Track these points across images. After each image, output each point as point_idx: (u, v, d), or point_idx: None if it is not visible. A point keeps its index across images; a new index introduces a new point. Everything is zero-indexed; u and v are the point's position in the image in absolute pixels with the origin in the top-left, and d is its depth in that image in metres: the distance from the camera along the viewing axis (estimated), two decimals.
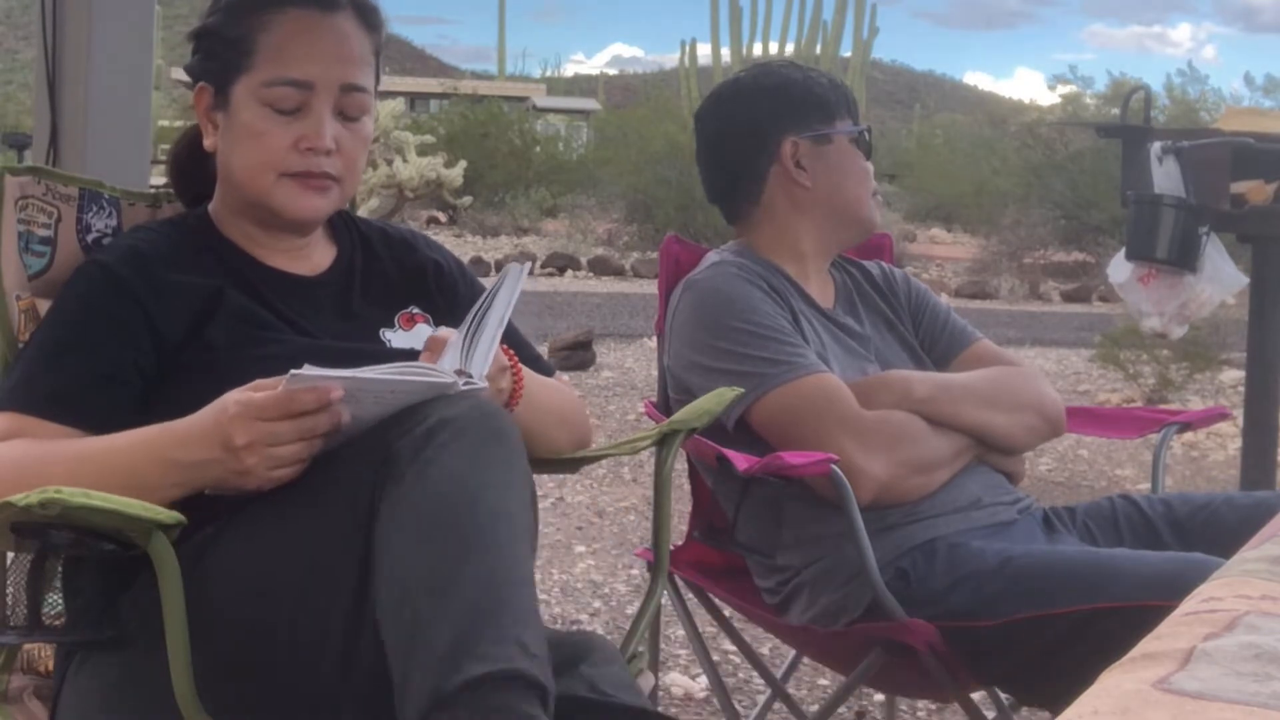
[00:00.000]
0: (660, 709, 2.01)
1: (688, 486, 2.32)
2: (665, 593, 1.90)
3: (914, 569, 1.89)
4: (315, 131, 1.56)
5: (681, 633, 3.01)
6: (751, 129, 2.13)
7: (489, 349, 1.43)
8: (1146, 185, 3.19)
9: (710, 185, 2.22)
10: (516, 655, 1.17)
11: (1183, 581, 1.32)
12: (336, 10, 1.59)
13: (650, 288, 12.16)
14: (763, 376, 1.95)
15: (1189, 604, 0.96)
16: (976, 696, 2.10)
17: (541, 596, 3.67)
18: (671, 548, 2.08)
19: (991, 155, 20.31)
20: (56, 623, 1.52)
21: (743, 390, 1.85)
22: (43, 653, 1.68)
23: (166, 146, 1.79)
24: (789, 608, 2.00)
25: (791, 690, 2.61)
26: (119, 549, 1.33)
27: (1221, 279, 3.17)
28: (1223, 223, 3.26)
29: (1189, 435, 5.19)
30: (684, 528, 2.33)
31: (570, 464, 1.76)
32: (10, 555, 1.46)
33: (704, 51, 24.03)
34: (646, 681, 1.62)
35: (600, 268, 16.15)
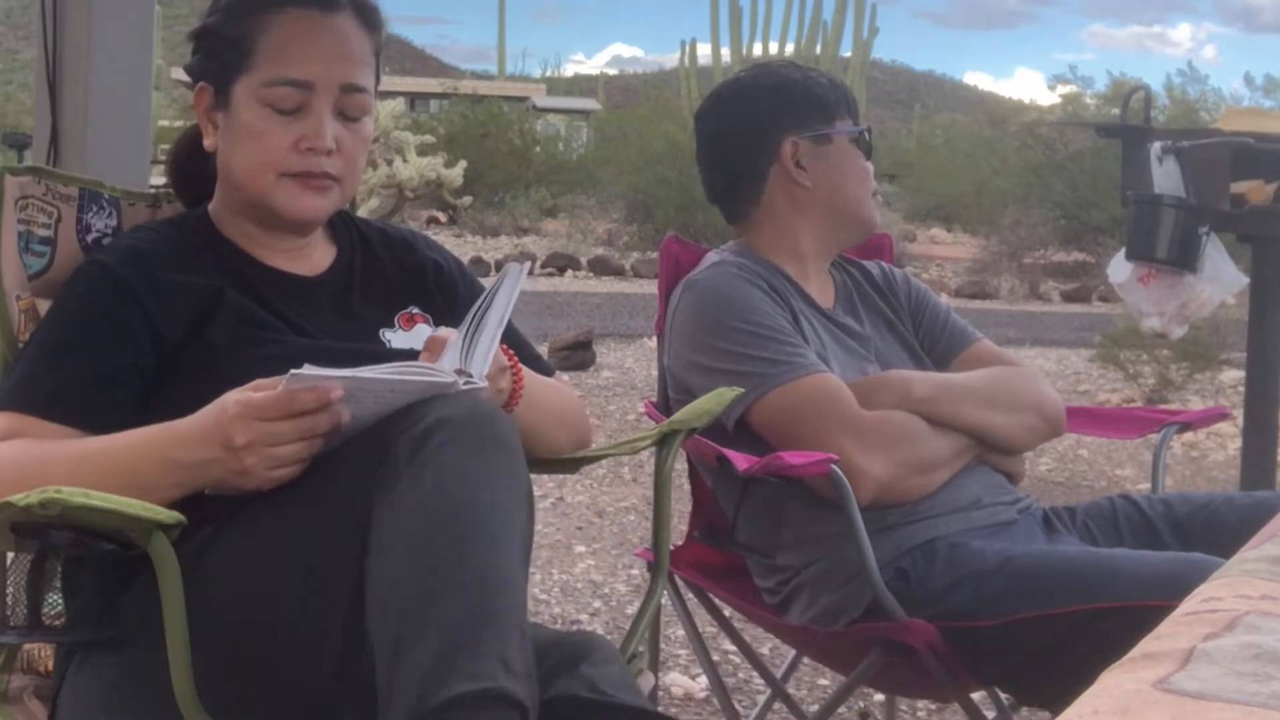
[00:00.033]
0: (660, 709, 2.01)
1: (688, 486, 2.32)
2: (665, 593, 1.90)
3: (914, 569, 1.89)
4: (315, 131, 1.56)
5: (681, 633, 3.02)
6: (751, 129, 2.13)
7: (489, 349, 1.43)
8: (1146, 185, 3.19)
9: (710, 185, 2.22)
10: (499, 673, 1.17)
11: (1183, 581, 1.32)
12: (336, 10, 1.59)
13: (650, 288, 12.16)
14: (763, 376, 1.95)
15: (1189, 604, 0.96)
16: (976, 696, 2.10)
17: (541, 596, 3.68)
18: (671, 548, 2.08)
19: (991, 155, 20.31)
20: (56, 623, 1.52)
21: (743, 390, 1.85)
22: (43, 653, 1.68)
23: (166, 146, 1.79)
24: (789, 608, 2.00)
25: (791, 690, 2.61)
26: (119, 549, 1.33)
27: (1221, 279, 3.17)
28: (1223, 223, 3.25)
29: (1189, 435, 5.19)
30: (684, 528, 2.33)
31: (570, 464, 1.76)
32: (10, 555, 1.46)
33: (704, 51, 24.06)
34: (646, 681, 1.62)
35: (600, 268, 16.14)
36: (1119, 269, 3.28)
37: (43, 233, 1.67)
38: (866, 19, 23.45)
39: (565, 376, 1.83)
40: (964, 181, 20.27)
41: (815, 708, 2.56)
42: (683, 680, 3.04)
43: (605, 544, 4.30)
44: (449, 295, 1.71)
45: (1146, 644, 0.86)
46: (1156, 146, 3.20)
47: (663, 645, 2.88)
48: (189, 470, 1.37)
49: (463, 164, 19.89)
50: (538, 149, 23.06)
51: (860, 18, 23.36)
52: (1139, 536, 2.02)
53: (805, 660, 2.56)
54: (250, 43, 1.57)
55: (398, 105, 22.04)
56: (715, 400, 1.72)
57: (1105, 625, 1.66)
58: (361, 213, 1.87)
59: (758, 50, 23.13)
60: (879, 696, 2.82)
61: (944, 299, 3.13)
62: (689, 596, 2.24)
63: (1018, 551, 1.86)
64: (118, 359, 1.49)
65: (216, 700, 1.31)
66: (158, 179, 1.93)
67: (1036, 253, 16.58)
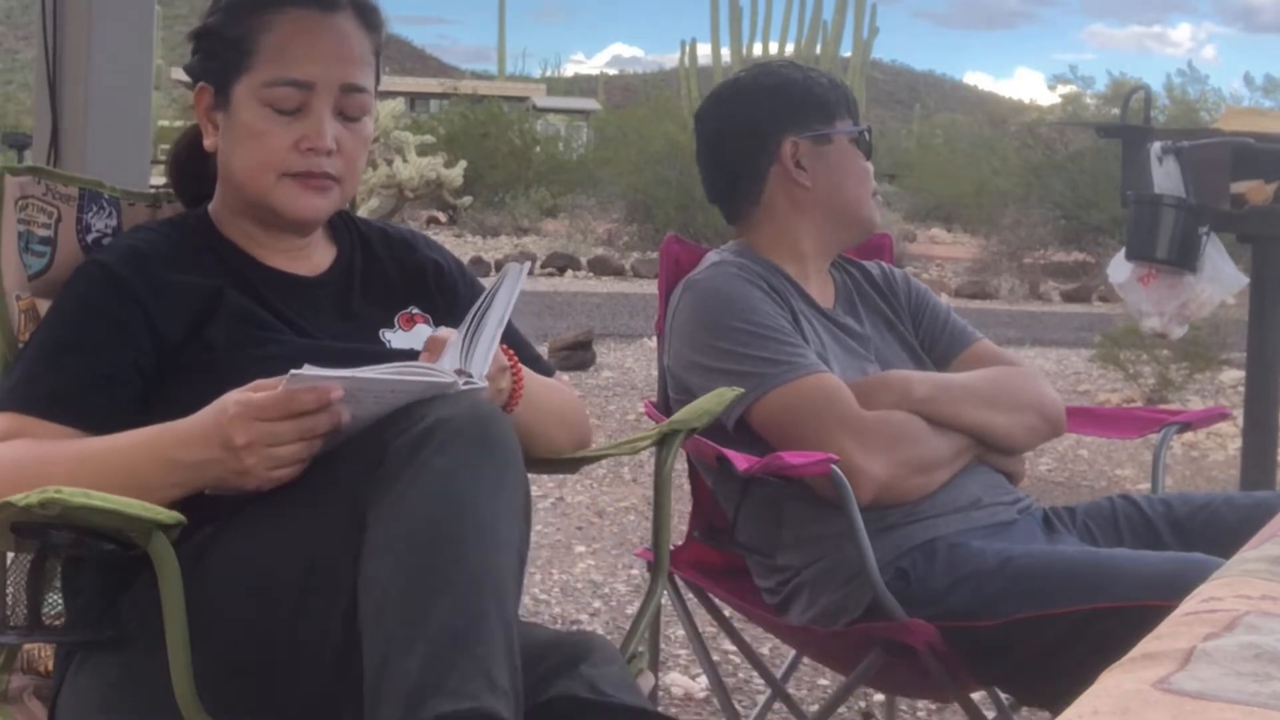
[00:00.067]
0: (660, 709, 2.01)
1: (688, 486, 2.32)
2: (665, 593, 1.90)
3: (914, 569, 1.89)
4: (316, 131, 1.56)
5: (681, 633, 3.01)
6: (751, 129, 2.13)
7: (489, 349, 1.43)
8: (1146, 185, 3.19)
9: (710, 185, 2.22)
10: (483, 692, 1.17)
11: (1183, 581, 1.32)
12: (337, 10, 1.59)
13: (650, 288, 12.16)
14: (763, 376, 1.95)
15: (1189, 604, 0.96)
16: (976, 696, 2.10)
17: (541, 596, 3.68)
18: (671, 548, 2.08)
19: (991, 155, 20.31)
20: (56, 623, 1.52)
21: (743, 390, 1.85)
22: (43, 653, 1.68)
23: (166, 146, 1.79)
24: (789, 608, 2.00)
25: (791, 690, 2.61)
26: (119, 549, 1.33)
27: (1221, 279, 3.17)
28: (1223, 223, 3.26)
29: (1189, 435, 5.19)
30: (684, 528, 2.33)
31: (570, 464, 1.76)
32: (10, 555, 1.46)
33: (704, 51, 24.06)
34: (646, 681, 1.62)
35: (600, 268, 16.14)
36: (1119, 269, 3.28)
37: (43, 233, 1.67)
38: (866, 19, 23.46)
39: (565, 376, 1.83)
40: (964, 181, 20.27)
41: (815, 708, 2.56)
42: (683, 680, 3.04)
43: (605, 544, 4.30)
44: (449, 295, 1.71)
45: (1146, 644, 0.86)
46: (1156, 146, 3.20)
47: (663, 645, 2.88)
48: (189, 470, 1.37)
49: (463, 164, 19.89)
50: (538, 149, 23.06)
51: (860, 18, 23.37)
52: (1139, 536, 2.02)
53: (805, 660, 2.56)
54: (250, 43, 1.57)
55: (398, 105, 22.04)
56: (715, 400, 1.72)
57: (1105, 625, 1.66)
58: (361, 213, 1.87)
59: (758, 50, 23.13)
60: (879, 696, 2.82)
61: (944, 299, 3.13)
62: (689, 596, 2.24)
63: (1018, 551, 1.86)
64: (118, 359, 1.49)
65: (216, 700, 1.31)
66: (158, 179, 1.93)
67: (1036, 253, 16.58)
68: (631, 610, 3.55)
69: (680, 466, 2.02)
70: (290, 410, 1.31)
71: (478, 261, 14.64)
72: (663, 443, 1.67)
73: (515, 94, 35.93)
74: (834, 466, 1.81)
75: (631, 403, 6.88)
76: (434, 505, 1.24)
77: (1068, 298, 15.32)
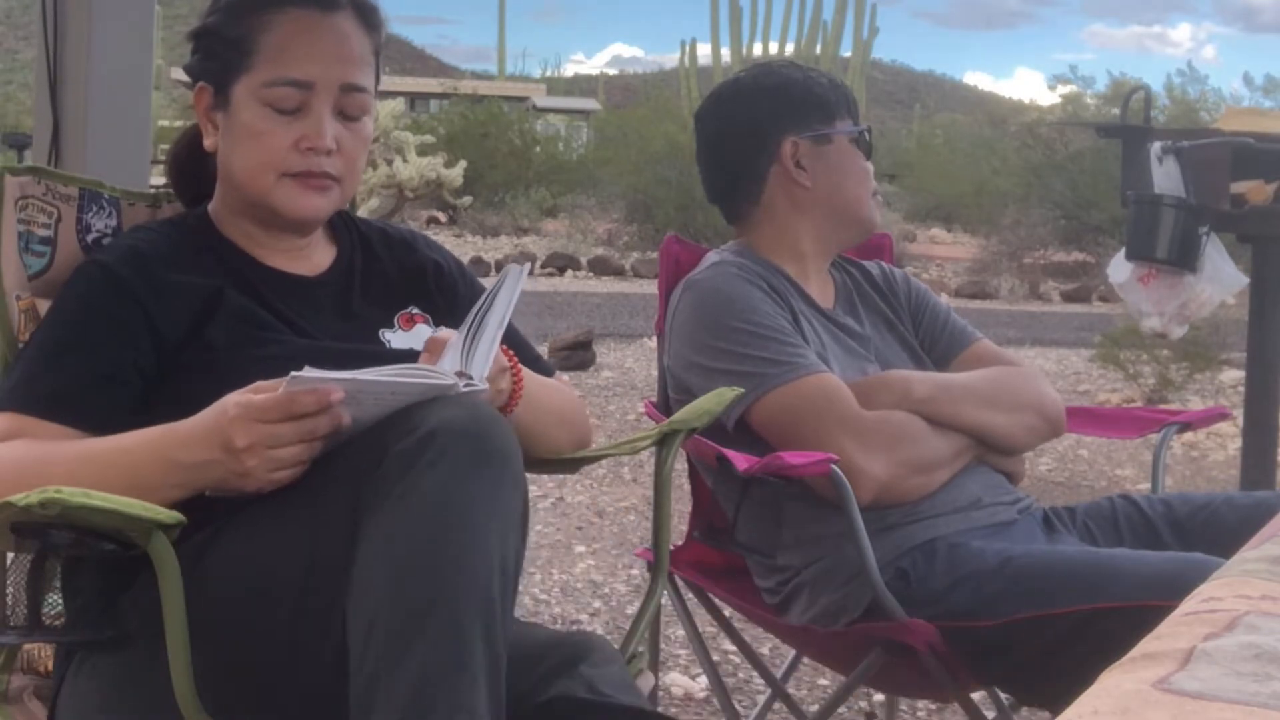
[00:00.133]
0: (660, 709, 2.01)
1: (688, 486, 2.32)
2: (665, 593, 1.90)
3: (914, 569, 1.89)
4: (315, 131, 1.56)
5: (681, 633, 3.02)
6: (751, 129, 2.13)
7: (489, 350, 1.43)
8: (1146, 185, 3.19)
9: (710, 185, 2.22)
10: None
11: (1183, 581, 1.32)
12: (336, 10, 1.59)
13: (650, 288, 12.16)
14: (763, 376, 1.95)
15: (1189, 604, 0.96)
16: (976, 696, 2.10)
17: (541, 596, 3.68)
18: (671, 548, 2.08)
19: (991, 155, 20.31)
20: (56, 623, 1.52)
21: (743, 390, 1.85)
22: (43, 653, 1.68)
23: (166, 146, 1.79)
24: (789, 608, 2.00)
25: (791, 690, 2.61)
26: (119, 549, 1.33)
27: (1221, 279, 3.17)
28: (1223, 223, 3.26)
29: (1189, 435, 5.20)
30: (684, 528, 2.33)
31: (570, 464, 1.76)
32: (10, 555, 1.46)
33: (704, 51, 24.06)
34: (646, 681, 1.62)
35: (600, 268, 16.14)
36: (1119, 269, 3.28)
37: (43, 233, 1.67)
38: (866, 19, 23.46)
39: (565, 376, 1.83)
40: (964, 181, 20.27)
41: (815, 708, 2.56)
42: (683, 680, 3.04)
43: (605, 544, 4.30)
44: (449, 295, 1.71)
45: (1146, 644, 0.86)
46: (1156, 146, 3.20)
47: (663, 645, 2.88)
48: (190, 471, 1.37)
49: (463, 164, 19.89)
50: (538, 149, 23.06)
51: (860, 18, 23.36)
52: (1139, 536, 2.02)
53: (805, 660, 2.56)
54: (250, 43, 1.56)
55: (398, 105, 22.05)
56: (715, 400, 1.72)
57: (1105, 625, 1.66)
58: (361, 213, 1.87)
59: (758, 50, 23.12)
60: (879, 696, 2.82)
61: (944, 299, 3.13)
62: (689, 596, 2.24)
63: (1018, 551, 1.86)
64: (118, 359, 1.49)
65: (216, 700, 1.31)
66: (158, 179, 1.93)
67: (1036, 253, 16.58)
68: (631, 610, 3.55)
69: (680, 466, 2.02)
70: (291, 412, 1.31)
71: (478, 261, 14.64)
72: (663, 443, 1.67)
73: (515, 94, 35.94)
74: (834, 466, 1.81)
75: (631, 403, 6.88)
76: (429, 526, 1.23)
77: (1068, 298, 15.32)
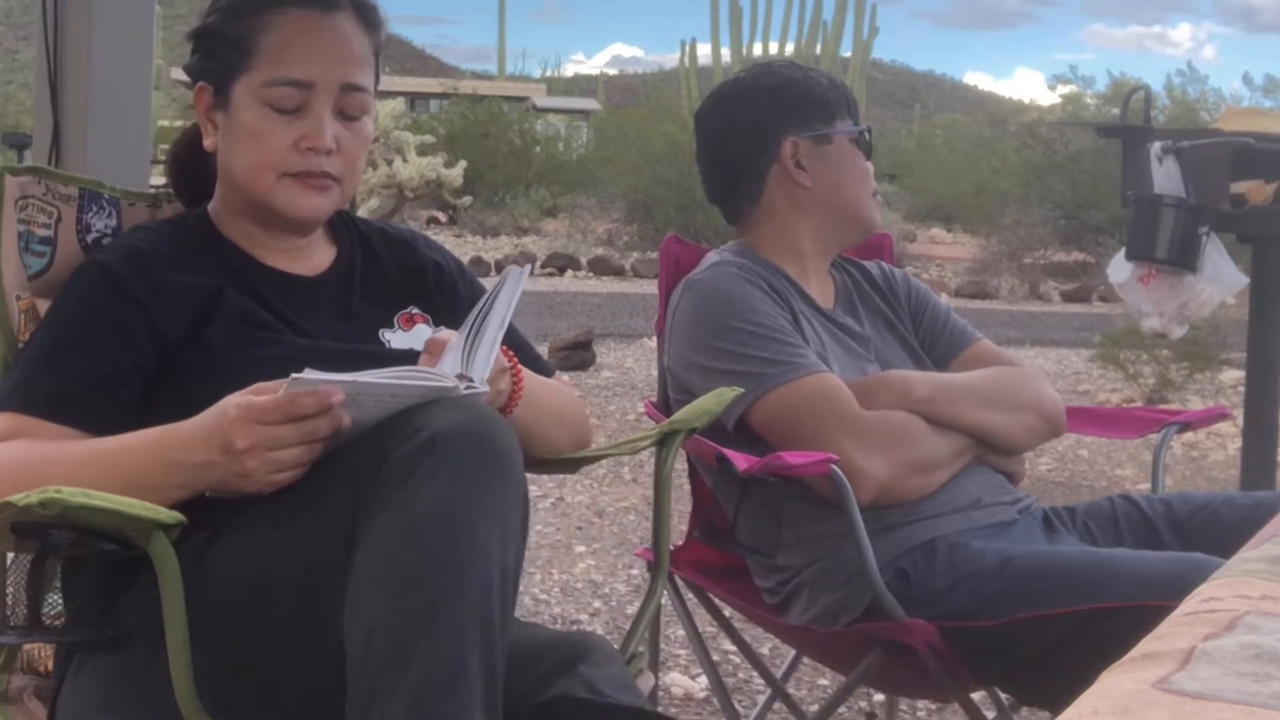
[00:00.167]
0: (660, 709, 2.01)
1: (688, 486, 2.32)
2: (665, 593, 1.90)
3: (914, 569, 1.89)
4: (315, 131, 1.56)
5: (681, 633, 3.02)
6: (751, 129, 2.13)
7: (489, 352, 1.43)
8: (1146, 185, 3.19)
9: (710, 185, 2.22)
10: None
11: (1183, 581, 1.32)
12: (336, 10, 1.59)
13: (650, 288, 12.16)
14: (763, 376, 1.95)
15: (1189, 604, 0.96)
16: (976, 696, 2.10)
17: (541, 596, 3.68)
18: (671, 548, 2.08)
19: (991, 155, 20.30)
20: (56, 623, 1.52)
21: (743, 390, 1.85)
22: (43, 653, 1.68)
23: (166, 146, 1.79)
24: (789, 608, 2.00)
25: (791, 690, 2.61)
26: (119, 549, 1.33)
27: (1221, 279, 3.17)
28: (1223, 223, 3.26)
29: (1189, 435, 5.19)
30: (684, 528, 2.33)
31: (570, 464, 1.76)
32: (10, 555, 1.46)
33: (704, 51, 24.05)
34: (646, 681, 1.62)
35: (600, 268, 16.14)
36: (1119, 269, 3.28)
37: (43, 233, 1.68)
38: (866, 19, 23.45)
39: (565, 376, 1.83)
40: (964, 181, 20.27)
41: (815, 708, 2.56)
42: (683, 680, 3.04)
43: (605, 544, 4.30)
44: (449, 295, 1.71)
45: (1146, 644, 0.86)
46: (1156, 146, 3.20)
47: (663, 645, 2.88)
48: (190, 472, 1.36)
49: (463, 164, 19.89)
50: (538, 149, 23.06)
51: (860, 18, 23.36)
52: (1139, 536, 2.02)
53: (805, 660, 2.56)
54: (250, 43, 1.56)
55: (398, 105, 22.05)
56: (715, 400, 1.72)
57: (1105, 625, 1.66)
58: (361, 213, 1.87)
59: (758, 50, 23.12)
60: (879, 696, 2.82)
61: (944, 299, 3.13)
62: (689, 596, 2.24)
63: (1018, 551, 1.86)
64: (118, 359, 1.49)
65: (216, 700, 1.31)
66: (158, 179, 1.93)
67: (1036, 253, 16.58)
68: (631, 610, 3.55)
69: (680, 466, 2.02)
70: (291, 414, 1.31)
71: (478, 261, 14.64)
72: (663, 443, 1.67)
73: (515, 94, 35.93)
74: (834, 466, 1.81)
75: (631, 403, 6.88)
76: (429, 538, 1.23)
77: (1068, 298, 15.32)
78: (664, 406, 2.14)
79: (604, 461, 4.96)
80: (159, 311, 1.51)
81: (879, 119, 36.91)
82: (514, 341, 1.60)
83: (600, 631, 3.31)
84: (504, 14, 50.33)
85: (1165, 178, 3.16)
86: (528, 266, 1.59)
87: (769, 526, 2.02)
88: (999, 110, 35.43)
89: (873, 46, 24.79)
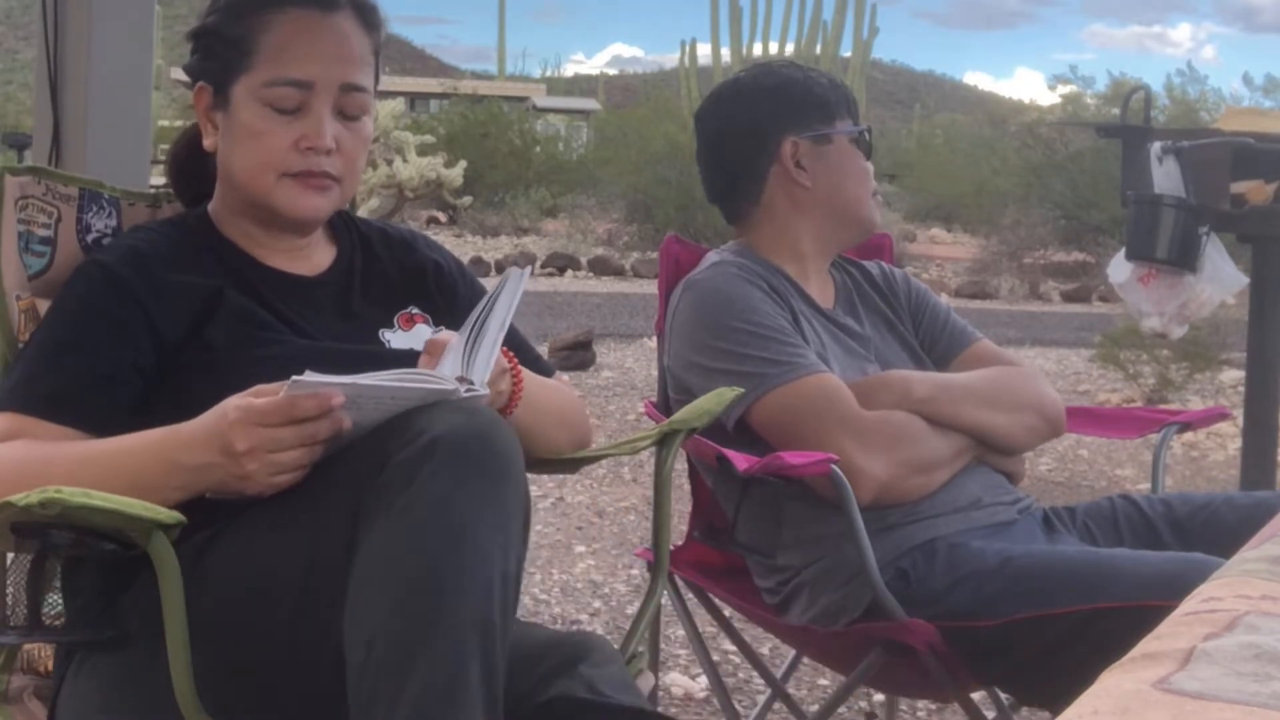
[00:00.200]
0: (660, 709, 2.01)
1: (688, 486, 2.32)
2: (665, 593, 1.90)
3: (914, 569, 1.89)
4: (315, 131, 1.56)
5: (681, 633, 3.01)
6: (751, 129, 2.13)
7: (490, 354, 1.42)
8: (1146, 185, 3.19)
9: (710, 185, 2.22)
10: None
11: (1183, 581, 1.32)
12: (336, 10, 1.59)
13: (650, 288, 12.16)
14: (763, 376, 1.95)
15: (1189, 604, 0.96)
16: (976, 696, 2.10)
17: (541, 596, 3.68)
18: (671, 548, 2.08)
19: (991, 155, 20.30)
20: (56, 623, 1.52)
21: (743, 390, 1.85)
22: (43, 653, 1.68)
23: (166, 146, 1.79)
24: (789, 608, 2.00)
25: (791, 690, 2.61)
26: (119, 549, 1.33)
27: (1221, 279, 3.17)
28: (1223, 223, 3.26)
29: (1189, 435, 5.19)
30: (684, 528, 2.33)
31: (570, 464, 1.76)
32: (10, 555, 1.46)
33: (704, 51, 24.04)
34: (646, 681, 1.62)
35: (600, 268, 16.14)
36: (1119, 269, 3.28)
37: (43, 233, 1.68)
38: (866, 19, 23.45)
39: (565, 376, 1.83)
40: (964, 181, 20.26)
41: (815, 708, 2.56)
42: (683, 680, 3.04)
43: (605, 544, 4.30)
44: (449, 295, 1.71)
45: (1146, 644, 0.86)
46: (1156, 146, 3.20)
47: (663, 645, 2.88)
48: (190, 473, 1.36)
49: (463, 164, 19.89)
50: (538, 149, 23.06)
51: (860, 18, 23.35)
52: (1139, 536, 2.02)
53: (805, 660, 2.56)
54: (250, 43, 1.56)
55: (398, 105, 22.05)
56: (715, 400, 1.72)
57: (1105, 625, 1.66)
58: (361, 213, 1.87)
59: (758, 50, 23.11)
60: (879, 696, 2.82)
61: (944, 299, 3.13)
62: (689, 596, 2.24)
63: (1018, 551, 1.86)
64: (117, 359, 1.49)
65: (216, 700, 1.31)
66: (158, 179, 1.93)
67: (1036, 253, 16.58)
68: (631, 610, 3.55)
69: (680, 466, 2.02)
70: (291, 416, 1.31)
71: (478, 261, 14.64)
72: (663, 443, 1.67)
73: (515, 94, 35.92)
74: (834, 466, 1.81)
75: (631, 403, 6.88)
76: (430, 545, 1.23)
77: (1068, 298, 15.32)
78: (664, 406, 2.14)
79: (604, 461, 4.96)
80: (159, 311, 1.51)
81: (879, 119, 36.92)
82: (514, 342, 1.60)
83: (600, 631, 3.31)
84: (504, 14, 50.34)
85: (1165, 178, 3.16)
86: (528, 268, 1.58)
87: (769, 526, 2.02)
88: (999, 110, 35.43)
89: (873, 46, 24.80)
